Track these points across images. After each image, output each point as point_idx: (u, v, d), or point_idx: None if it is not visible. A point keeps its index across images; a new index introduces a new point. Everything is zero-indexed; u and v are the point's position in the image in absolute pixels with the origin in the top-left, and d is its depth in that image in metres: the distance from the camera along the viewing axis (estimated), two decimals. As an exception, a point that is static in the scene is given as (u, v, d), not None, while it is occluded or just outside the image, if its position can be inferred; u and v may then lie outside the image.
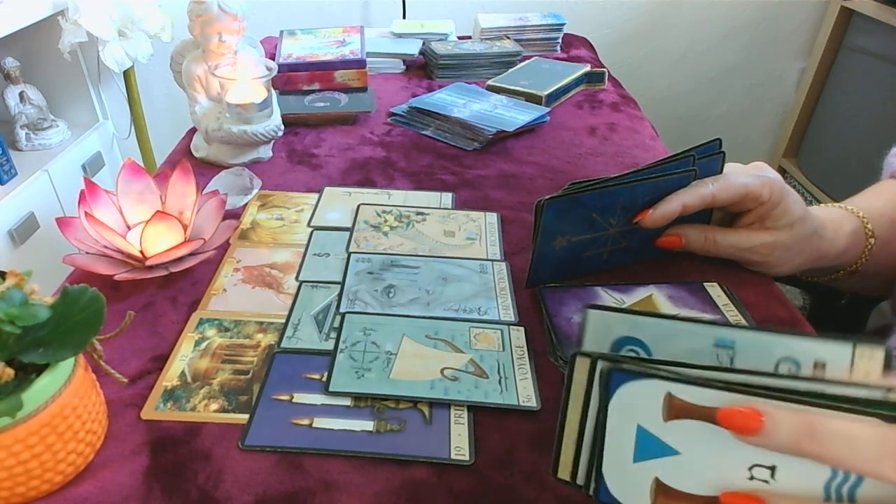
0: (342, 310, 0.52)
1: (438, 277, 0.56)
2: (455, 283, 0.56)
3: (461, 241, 0.62)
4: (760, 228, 0.53)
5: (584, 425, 0.32)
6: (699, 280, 0.55)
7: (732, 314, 0.51)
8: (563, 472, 0.32)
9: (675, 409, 0.29)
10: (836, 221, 0.56)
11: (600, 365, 0.30)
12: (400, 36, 1.21)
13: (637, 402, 0.30)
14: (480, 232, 0.63)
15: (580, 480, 0.32)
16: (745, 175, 0.52)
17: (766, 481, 0.27)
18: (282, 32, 1.09)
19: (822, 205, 0.60)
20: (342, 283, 0.55)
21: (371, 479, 0.39)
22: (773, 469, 0.27)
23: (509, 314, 0.52)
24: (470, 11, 1.61)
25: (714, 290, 0.54)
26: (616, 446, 0.31)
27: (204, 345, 0.49)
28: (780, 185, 0.51)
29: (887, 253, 0.57)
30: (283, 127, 0.77)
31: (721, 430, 0.28)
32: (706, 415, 0.28)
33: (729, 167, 0.55)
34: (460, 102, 0.90)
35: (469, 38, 1.26)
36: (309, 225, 0.65)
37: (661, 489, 0.30)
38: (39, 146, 1.44)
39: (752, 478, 0.28)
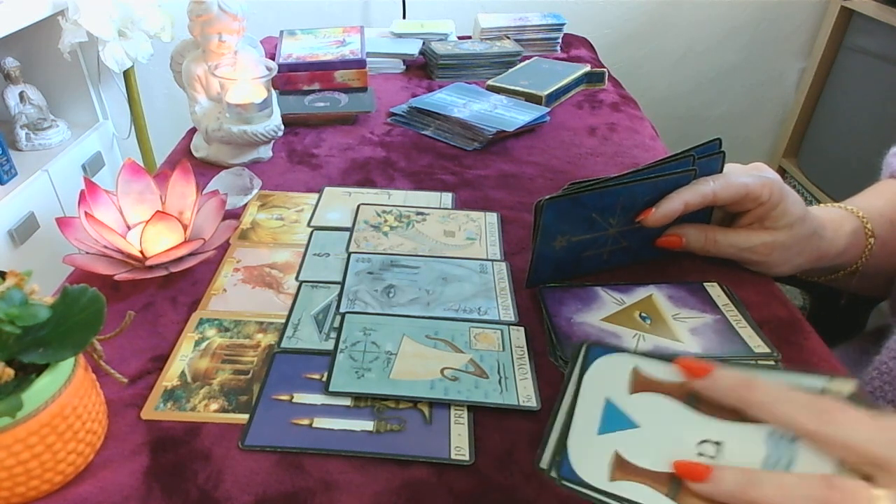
0: (342, 310, 0.52)
1: (438, 277, 0.56)
2: (455, 283, 0.56)
3: (461, 241, 0.62)
4: (760, 228, 0.53)
5: (559, 409, 0.35)
6: (699, 280, 0.55)
7: (732, 314, 0.51)
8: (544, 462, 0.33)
9: (640, 384, 0.34)
10: (836, 221, 0.56)
11: (585, 344, 0.35)
12: (400, 36, 1.21)
13: (608, 375, 0.34)
14: (480, 232, 0.63)
15: (544, 464, 0.33)
16: (745, 175, 0.52)
17: (712, 457, 0.31)
18: (282, 32, 1.09)
19: (821, 205, 0.60)
20: (342, 283, 0.55)
21: (371, 479, 0.39)
22: (719, 445, 0.31)
23: (509, 314, 0.52)
24: (470, 11, 1.61)
25: (714, 290, 0.54)
26: (584, 419, 0.34)
27: (204, 345, 0.49)
28: (780, 186, 0.51)
29: (887, 252, 0.57)
30: (283, 127, 0.77)
31: (677, 405, 0.33)
32: (666, 388, 0.33)
33: (729, 167, 0.55)
34: (460, 102, 0.90)
35: (469, 38, 1.26)
36: (309, 225, 0.65)
37: (619, 463, 0.32)
38: (39, 146, 1.44)
39: (700, 454, 0.31)
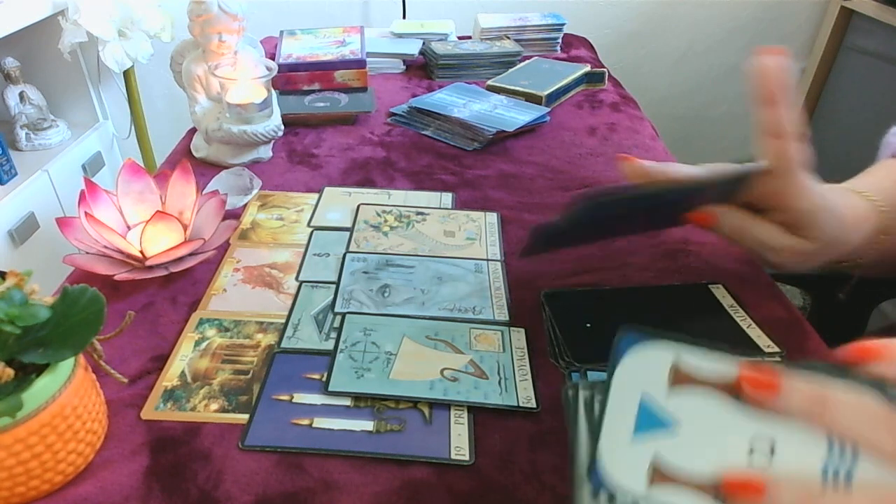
0: (337, 309, 0.52)
1: (433, 277, 0.56)
2: (450, 283, 0.56)
3: (461, 241, 0.62)
4: (791, 232, 0.48)
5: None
6: (703, 281, 0.55)
7: (740, 316, 0.51)
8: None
9: (680, 377, 0.30)
10: (860, 217, 0.51)
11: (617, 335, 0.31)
12: (400, 36, 1.21)
13: (643, 368, 0.30)
14: (480, 232, 0.63)
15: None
16: (815, 186, 0.47)
17: (765, 458, 0.28)
18: (282, 32, 1.09)
19: (842, 185, 0.54)
20: (337, 283, 0.55)
21: (371, 479, 0.39)
22: (772, 443, 0.28)
23: (503, 314, 0.52)
24: (470, 11, 1.61)
25: (719, 291, 0.54)
26: (617, 417, 0.30)
27: (204, 345, 0.49)
28: (832, 209, 0.47)
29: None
30: (283, 127, 0.77)
31: (722, 400, 0.29)
32: (708, 382, 0.29)
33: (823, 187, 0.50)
34: (460, 102, 0.90)
35: (469, 38, 1.26)
36: (309, 225, 0.65)
37: (657, 470, 0.29)
38: (39, 146, 1.44)
39: (751, 452, 0.28)
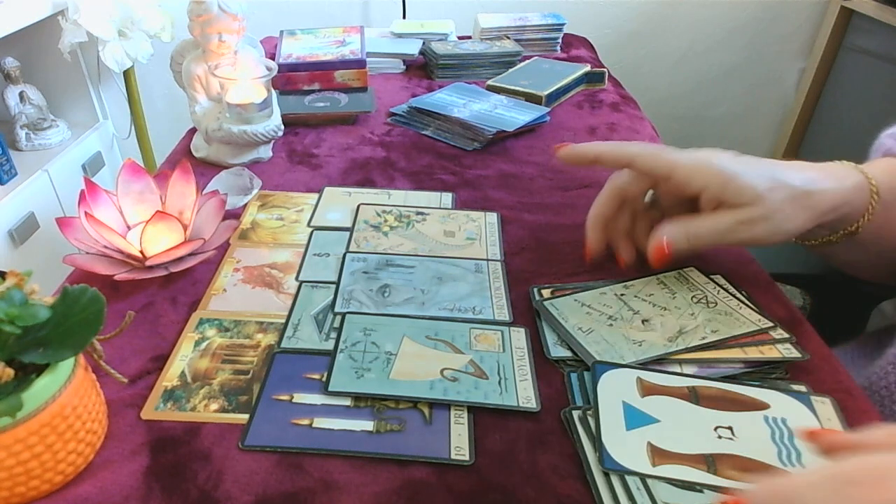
0: (337, 309, 0.52)
1: (433, 277, 0.56)
2: (450, 283, 0.56)
3: (461, 241, 0.62)
4: (726, 209, 0.49)
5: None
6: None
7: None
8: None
9: (647, 389, 0.42)
10: (840, 172, 0.52)
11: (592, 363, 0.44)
12: (400, 36, 1.21)
13: (618, 385, 0.42)
14: (480, 232, 0.63)
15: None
16: (688, 157, 0.50)
17: (731, 438, 0.38)
18: (282, 32, 1.09)
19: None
20: (337, 283, 0.55)
21: (371, 479, 0.39)
22: (731, 429, 0.39)
23: (503, 313, 0.52)
24: (470, 11, 1.61)
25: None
26: (610, 419, 0.40)
27: (204, 345, 0.49)
28: (721, 170, 0.49)
29: (883, 219, 0.52)
30: (283, 127, 0.77)
31: (683, 402, 0.41)
32: (669, 392, 0.41)
33: (698, 152, 0.52)
34: (460, 102, 0.90)
35: (469, 38, 1.26)
36: (309, 225, 0.65)
37: (655, 451, 0.38)
38: (39, 146, 1.44)
39: (720, 437, 0.39)
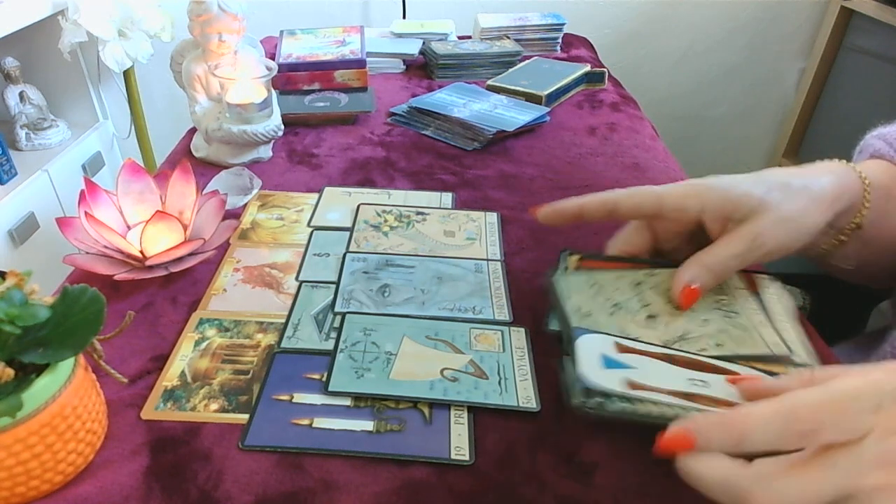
0: (337, 309, 0.52)
1: (433, 277, 0.56)
2: (450, 283, 0.56)
3: (461, 241, 0.62)
4: (734, 230, 0.46)
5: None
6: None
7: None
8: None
9: (623, 349, 0.42)
10: (827, 166, 0.50)
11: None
12: (400, 36, 1.21)
13: (596, 344, 0.41)
14: (480, 232, 0.63)
15: (577, 400, 0.39)
16: (674, 186, 0.48)
17: (703, 382, 0.39)
18: (282, 32, 1.09)
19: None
20: (337, 283, 0.55)
21: (371, 479, 0.39)
22: (704, 382, 0.39)
23: (503, 313, 0.52)
24: (470, 11, 1.61)
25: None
26: (589, 360, 0.40)
27: (204, 345, 0.49)
28: (713, 187, 0.46)
29: (882, 212, 0.51)
30: (283, 127, 0.77)
31: (659, 361, 0.41)
32: (645, 353, 0.42)
33: (681, 182, 0.50)
34: (460, 102, 0.90)
35: (469, 38, 1.26)
36: (309, 225, 0.65)
37: (633, 385, 0.38)
38: (39, 146, 1.43)
39: (692, 382, 0.39)
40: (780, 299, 0.48)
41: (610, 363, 0.40)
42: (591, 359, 0.40)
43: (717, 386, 0.39)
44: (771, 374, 0.41)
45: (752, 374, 0.41)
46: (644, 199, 0.48)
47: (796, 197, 0.46)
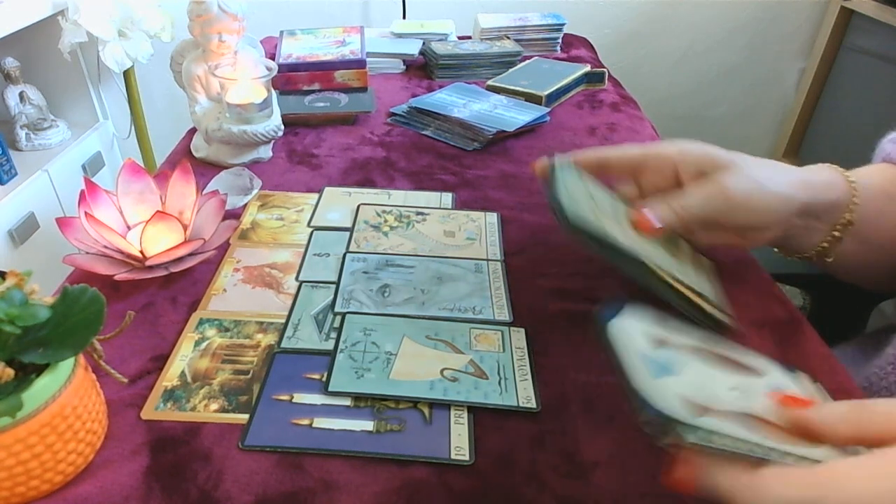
0: (337, 309, 0.52)
1: (433, 277, 0.56)
2: (450, 283, 0.56)
3: (461, 242, 0.62)
4: (702, 181, 0.50)
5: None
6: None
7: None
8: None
9: (657, 341, 0.37)
10: (806, 168, 0.54)
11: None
12: (400, 36, 1.21)
13: (627, 336, 0.36)
14: (480, 232, 0.63)
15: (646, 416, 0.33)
16: (660, 143, 0.54)
17: (744, 395, 0.35)
18: (282, 32, 1.09)
19: None
20: (337, 283, 0.55)
21: (371, 479, 0.39)
22: (744, 392, 0.35)
23: (503, 313, 0.52)
24: (470, 11, 1.61)
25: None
26: (637, 371, 0.34)
27: (204, 345, 0.49)
28: (698, 145, 0.52)
29: (877, 212, 0.52)
30: (283, 127, 0.77)
31: (693, 358, 0.36)
32: (677, 345, 0.37)
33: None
34: (460, 102, 0.90)
35: (469, 38, 1.26)
36: (309, 225, 0.65)
37: (692, 406, 0.33)
38: (39, 146, 1.44)
39: (737, 397, 0.35)
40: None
41: (655, 369, 0.35)
42: (636, 362, 0.34)
43: (757, 399, 0.35)
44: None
45: (786, 385, 0.37)
46: (630, 149, 0.55)
47: (766, 165, 0.52)
